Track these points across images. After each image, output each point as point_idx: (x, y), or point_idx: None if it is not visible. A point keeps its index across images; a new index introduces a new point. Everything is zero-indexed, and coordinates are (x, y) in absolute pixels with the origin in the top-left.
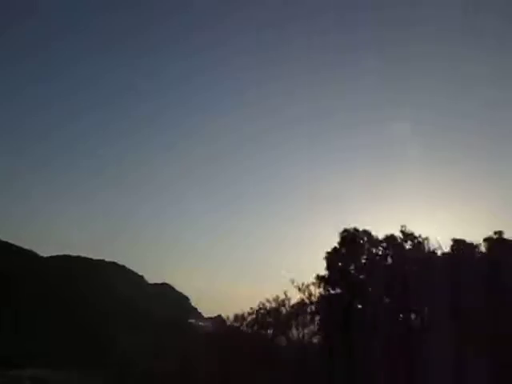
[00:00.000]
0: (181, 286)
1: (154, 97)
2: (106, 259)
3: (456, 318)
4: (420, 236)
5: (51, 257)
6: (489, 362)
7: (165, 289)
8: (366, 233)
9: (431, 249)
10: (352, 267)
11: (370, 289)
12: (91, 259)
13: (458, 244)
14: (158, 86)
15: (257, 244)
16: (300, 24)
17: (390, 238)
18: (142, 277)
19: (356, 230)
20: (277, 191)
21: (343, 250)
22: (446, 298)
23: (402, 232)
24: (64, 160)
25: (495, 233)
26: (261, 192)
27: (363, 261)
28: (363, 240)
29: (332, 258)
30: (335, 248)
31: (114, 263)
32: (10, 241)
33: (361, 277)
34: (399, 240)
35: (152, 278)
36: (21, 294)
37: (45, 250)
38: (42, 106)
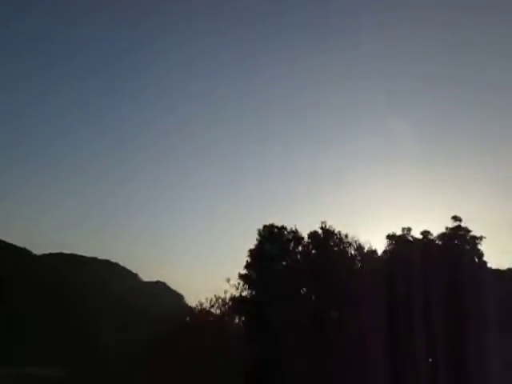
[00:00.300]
0: (175, 284)
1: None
2: (100, 257)
3: (370, 315)
4: (340, 233)
5: (44, 255)
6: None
7: (159, 287)
8: (285, 229)
9: (355, 246)
10: (273, 265)
11: (289, 288)
12: (84, 257)
13: (392, 240)
14: (161, 49)
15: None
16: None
17: (314, 235)
18: (136, 275)
19: (275, 226)
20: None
21: (264, 248)
22: (366, 297)
23: (322, 229)
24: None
25: (403, 229)
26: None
27: (284, 261)
28: (285, 237)
29: (252, 255)
30: (256, 245)
31: (107, 261)
32: (2, 238)
33: (280, 275)
34: (322, 237)
35: (146, 275)
36: (13, 292)
37: (38, 248)
38: (40, 69)
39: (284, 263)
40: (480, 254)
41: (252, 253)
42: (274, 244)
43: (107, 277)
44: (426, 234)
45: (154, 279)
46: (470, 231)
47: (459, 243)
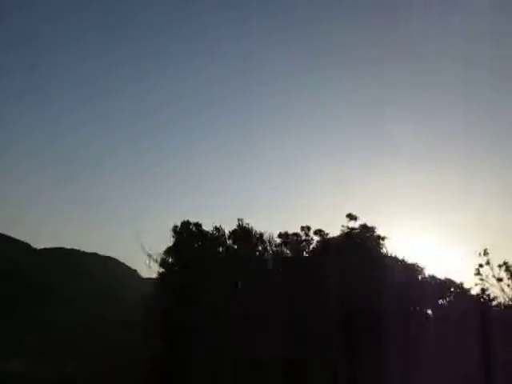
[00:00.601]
0: None
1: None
2: (100, 253)
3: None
4: (256, 232)
5: (45, 249)
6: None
7: None
8: (200, 226)
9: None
10: (189, 264)
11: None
12: (84, 252)
13: (283, 239)
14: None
15: None
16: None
17: (235, 233)
18: (135, 271)
19: (191, 223)
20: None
21: (180, 246)
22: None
23: (239, 226)
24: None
25: (302, 228)
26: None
27: (202, 260)
28: (204, 235)
29: (168, 253)
30: (173, 243)
31: (107, 257)
32: (3, 231)
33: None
34: (242, 236)
35: (145, 272)
36: (13, 285)
37: (39, 242)
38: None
39: (202, 262)
40: (383, 255)
41: (167, 251)
42: (190, 242)
43: (107, 272)
44: (320, 232)
45: (153, 275)
46: (374, 231)
47: (359, 242)
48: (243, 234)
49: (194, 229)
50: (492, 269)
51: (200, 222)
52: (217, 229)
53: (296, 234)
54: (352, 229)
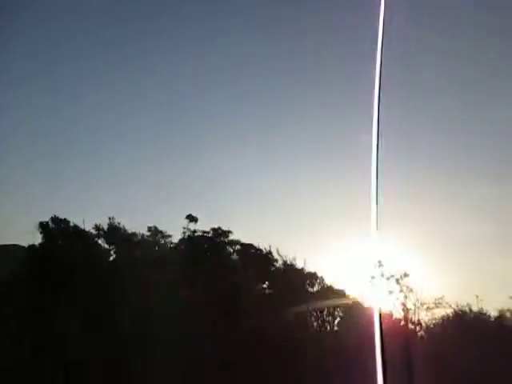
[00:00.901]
0: None
1: None
2: None
3: None
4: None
5: None
6: None
7: None
8: (68, 222)
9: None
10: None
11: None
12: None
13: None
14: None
15: None
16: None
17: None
18: None
19: (59, 220)
20: None
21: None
22: None
23: (109, 225)
24: None
25: (149, 228)
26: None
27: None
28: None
29: (35, 252)
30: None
31: None
32: None
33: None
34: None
35: None
36: None
37: None
38: None
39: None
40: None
41: (32, 247)
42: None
43: None
44: (162, 233)
45: None
46: (227, 235)
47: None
48: (114, 233)
49: (62, 225)
50: (385, 282)
51: (68, 219)
52: (97, 227)
53: (134, 234)
54: (194, 231)
